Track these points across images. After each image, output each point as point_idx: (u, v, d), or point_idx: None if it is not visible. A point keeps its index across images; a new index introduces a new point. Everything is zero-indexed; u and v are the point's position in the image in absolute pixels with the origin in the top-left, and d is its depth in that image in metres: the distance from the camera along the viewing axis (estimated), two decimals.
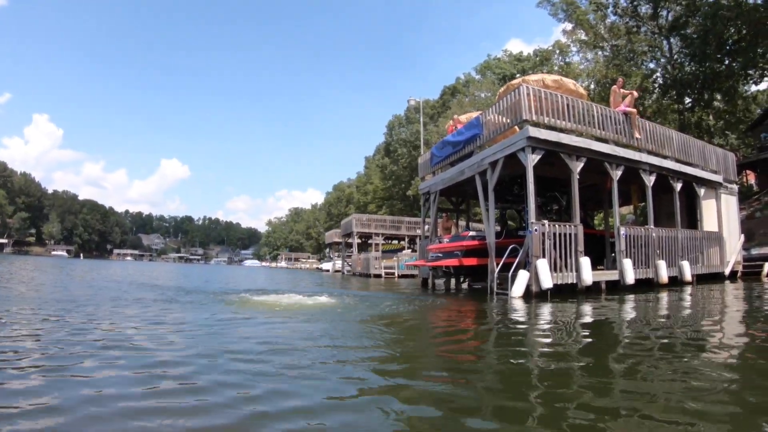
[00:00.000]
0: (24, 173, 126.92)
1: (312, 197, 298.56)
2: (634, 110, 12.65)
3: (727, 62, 26.04)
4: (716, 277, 14.45)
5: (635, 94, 13.36)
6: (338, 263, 44.90)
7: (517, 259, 10.07)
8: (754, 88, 30.50)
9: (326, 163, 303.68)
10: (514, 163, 10.44)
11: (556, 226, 10.17)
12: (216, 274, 30.24)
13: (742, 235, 16.65)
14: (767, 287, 12.70)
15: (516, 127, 10.80)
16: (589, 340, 5.23)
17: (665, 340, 4.90)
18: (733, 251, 15.55)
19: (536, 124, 10.30)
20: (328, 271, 47.90)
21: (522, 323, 6.61)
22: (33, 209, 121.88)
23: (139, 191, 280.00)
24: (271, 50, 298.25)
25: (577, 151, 10.65)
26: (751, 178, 30.56)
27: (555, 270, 9.88)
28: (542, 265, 9.55)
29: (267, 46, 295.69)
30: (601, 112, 11.69)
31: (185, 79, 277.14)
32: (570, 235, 10.18)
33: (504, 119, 11.20)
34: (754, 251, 18.07)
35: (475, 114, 13.80)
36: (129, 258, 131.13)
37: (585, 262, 10.19)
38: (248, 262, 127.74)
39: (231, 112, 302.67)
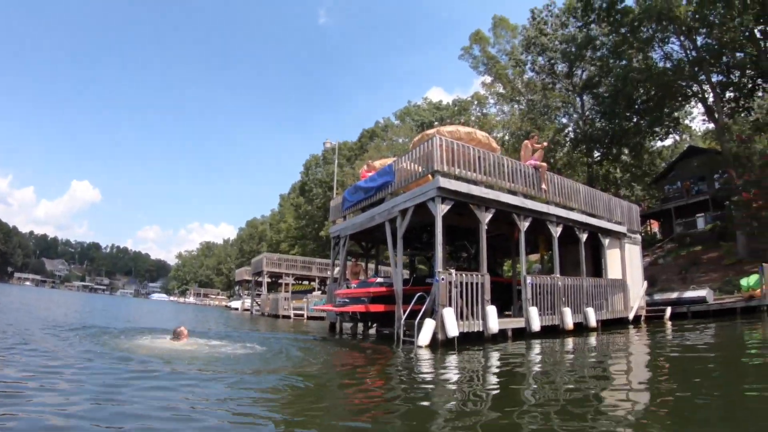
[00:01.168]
0: None
1: (224, 232, 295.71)
2: (544, 164, 13.35)
3: (635, 120, 28.29)
4: (621, 322, 15.13)
5: (544, 145, 14.13)
6: (247, 302, 44.03)
7: (424, 307, 10.15)
8: (659, 143, 33.20)
9: (240, 198, 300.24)
10: (424, 211, 10.63)
11: (463, 275, 10.37)
12: (121, 309, 28.74)
13: (645, 282, 17.71)
14: (668, 331, 13.47)
15: (429, 175, 11.07)
16: (498, 395, 5.23)
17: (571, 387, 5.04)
18: (636, 297, 16.41)
19: (447, 175, 10.57)
20: (237, 309, 46.53)
21: (426, 375, 6.64)
22: None
23: (46, 211, 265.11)
24: (192, 83, 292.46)
25: (486, 203, 11.01)
26: (655, 227, 32.99)
27: (461, 318, 10.03)
28: (448, 314, 9.65)
29: (188, 76, 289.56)
30: (512, 165, 12.23)
31: (105, 100, 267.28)
32: (477, 284, 10.40)
33: (417, 167, 11.43)
34: (657, 296, 19.22)
35: (389, 160, 14.07)
36: (28, 283, 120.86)
37: (491, 310, 10.42)
38: (156, 296, 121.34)
39: (147, 139, 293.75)
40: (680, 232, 29.95)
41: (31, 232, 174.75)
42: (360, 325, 13.83)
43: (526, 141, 13.96)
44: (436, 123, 40.89)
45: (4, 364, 5.60)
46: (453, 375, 6.40)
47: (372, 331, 13.82)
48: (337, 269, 15.54)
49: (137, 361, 6.32)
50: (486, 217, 10.92)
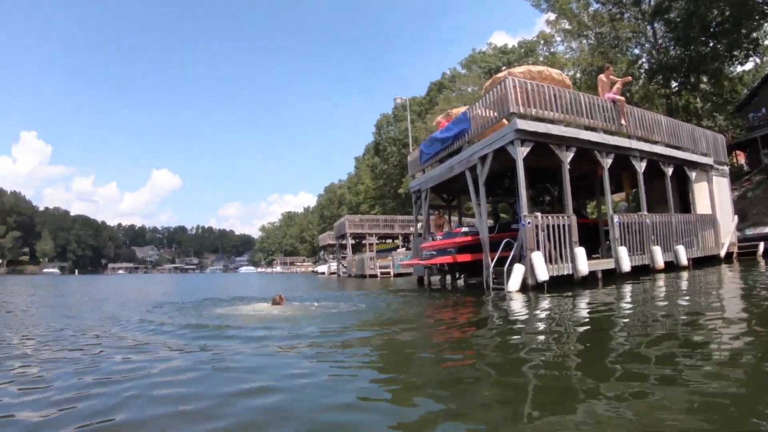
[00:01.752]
0: (14, 192, 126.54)
1: (304, 200, 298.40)
2: (622, 98, 12.60)
3: (711, 44, 26.12)
4: (712, 260, 14.41)
5: (628, 79, 13.30)
6: (333, 265, 44.79)
7: (512, 253, 9.99)
8: (739, 68, 30.65)
9: (316, 166, 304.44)
10: (504, 156, 10.35)
11: (549, 217, 10.09)
12: (218, 283, 30.04)
13: (736, 216, 16.64)
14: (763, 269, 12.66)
15: (504, 120, 10.71)
16: (596, 338, 5.08)
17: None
18: (727, 233, 15.53)
19: (524, 116, 10.21)
20: (323, 273, 47.82)
21: (528, 318, 6.54)
22: (25, 228, 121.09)
23: (130, 204, 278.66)
24: (258, 57, 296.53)
25: (566, 141, 10.58)
26: (741, 159, 30.70)
27: (550, 262, 9.82)
28: (537, 258, 9.48)
29: (253, 52, 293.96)
30: (589, 101, 11.62)
31: (171, 88, 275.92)
32: (564, 225, 10.11)
33: (491, 113, 11.11)
34: (749, 232, 18.12)
35: (463, 109, 13.70)
36: (121, 272, 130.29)
37: (580, 252, 10.13)
38: (244, 269, 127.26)
39: (218, 120, 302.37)
40: None
41: (119, 225, 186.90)
42: (448, 278, 13.82)
43: (600, 75, 13.17)
44: (503, 68, 39.32)
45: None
46: (550, 317, 6.23)
47: (460, 282, 13.78)
48: (420, 224, 15.49)
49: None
50: (567, 157, 10.50)
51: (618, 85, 12.43)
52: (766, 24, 26.47)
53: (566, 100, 11.15)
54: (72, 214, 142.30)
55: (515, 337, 5.12)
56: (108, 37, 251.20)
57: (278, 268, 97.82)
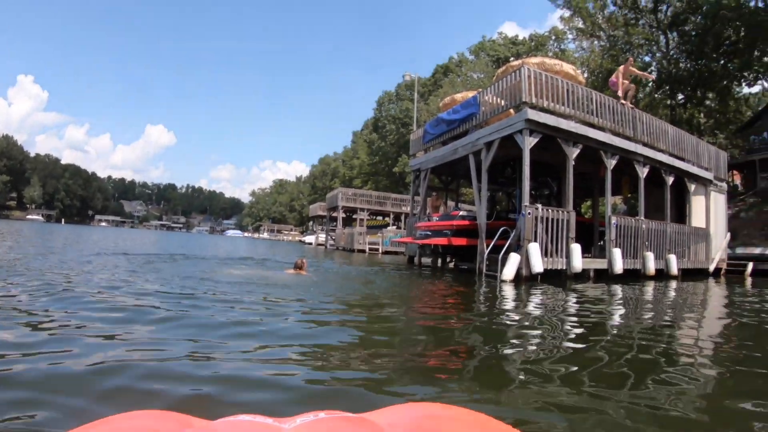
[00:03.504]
0: (6, 135, 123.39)
1: (297, 169, 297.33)
2: (633, 86, 12.71)
3: (722, 62, 26.15)
4: (701, 273, 14.55)
5: (652, 76, 13.37)
6: (321, 236, 44.85)
7: (508, 242, 9.99)
8: (746, 90, 30.73)
9: (313, 135, 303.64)
10: (510, 145, 10.33)
11: (549, 211, 10.10)
12: (201, 243, 29.97)
13: (729, 234, 16.80)
14: (749, 287, 12.77)
15: (511, 110, 10.67)
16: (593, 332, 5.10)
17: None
18: (718, 248, 15.68)
19: (535, 107, 10.17)
20: (311, 244, 47.79)
21: (521, 307, 6.55)
22: (14, 173, 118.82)
23: (122, 157, 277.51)
24: (261, 20, 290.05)
25: (574, 137, 10.56)
26: (737, 179, 31.01)
27: (546, 255, 9.84)
28: (534, 249, 9.49)
29: (257, 16, 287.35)
30: (600, 100, 11.59)
31: (172, 46, 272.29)
32: (562, 220, 10.12)
33: (501, 101, 11.05)
34: (739, 250, 18.30)
35: (471, 94, 13.62)
36: (104, 224, 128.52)
37: (576, 248, 10.15)
38: (230, 232, 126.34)
39: (219, 80, 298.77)
40: (764, 186, 28.04)
41: (110, 177, 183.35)
42: (439, 260, 13.82)
43: (620, 66, 13.10)
44: (512, 58, 39.09)
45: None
46: (544, 310, 6.21)
47: (450, 265, 13.78)
48: (416, 203, 15.44)
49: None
50: (574, 153, 10.49)
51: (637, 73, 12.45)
52: None
53: (578, 95, 11.10)
54: (63, 162, 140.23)
55: (515, 324, 5.10)
56: None
57: (265, 235, 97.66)
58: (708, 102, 29.27)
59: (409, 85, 38.82)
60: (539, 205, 10.01)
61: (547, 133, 10.15)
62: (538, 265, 9.41)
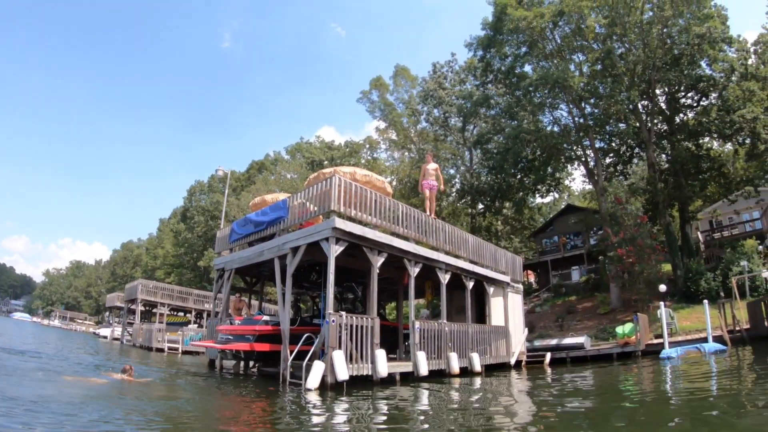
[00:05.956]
0: None
1: (98, 252, 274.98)
2: (437, 185, 14.53)
3: (520, 177, 30.42)
4: (503, 367, 15.82)
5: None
6: (117, 330, 40.70)
7: (312, 349, 9.91)
8: (539, 200, 36.03)
9: (117, 217, 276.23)
10: (316, 250, 10.55)
11: (354, 317, 10.30)
12: None
13: (526, 329, 18.75)
14: (548, 376, 14.21)
15: (320, 216, 11.07)
16: None
17: None
18: (518, 343, 17.30)
19: (342, 216, 10.62)
20: (106, 337, 42.82)
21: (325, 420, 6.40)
22: None
23: None
24: (78, 84, 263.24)
25: (379, 246, 11.15)
26: (531, 277, 35.66)
27: (351, 361, 9.91)
28: (338, 357, 9.48)
29: (74, 79, 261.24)
30: (406, 211, 12.57)
31: None
32: (366, 327, 10.36)
33: (311, 206, 11.41)
34: (537, 342, 20.40)
35: (282, 195, 13.91)
36: None
37: (381, 354, 10.38)
38: (18, 315, 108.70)
39: (21, 141, 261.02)
40: (556, 283, 32.44)
41: None
42: (242, 364, 13.21)
43: (423, 165, 14.68)
44: (326, 162, 41.50)
45: None
46: (351, 425, 6.20)
47: (254, 370, 13.23)
48: (219, 301, 14.78)
49: None
50: (378, 261, 11.04)
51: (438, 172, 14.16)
52: (570, 167, 31.80)
53: (385, 206, 11.91)
54: None
55: None
56: None
57: (56, 322, 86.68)
58: (505, 211, 33.57)
59: (222, 178, 38.78)
60: (343, 313, 10.18)
61: (354, 241, 10.58)
62: (343, 372, 9.40)
